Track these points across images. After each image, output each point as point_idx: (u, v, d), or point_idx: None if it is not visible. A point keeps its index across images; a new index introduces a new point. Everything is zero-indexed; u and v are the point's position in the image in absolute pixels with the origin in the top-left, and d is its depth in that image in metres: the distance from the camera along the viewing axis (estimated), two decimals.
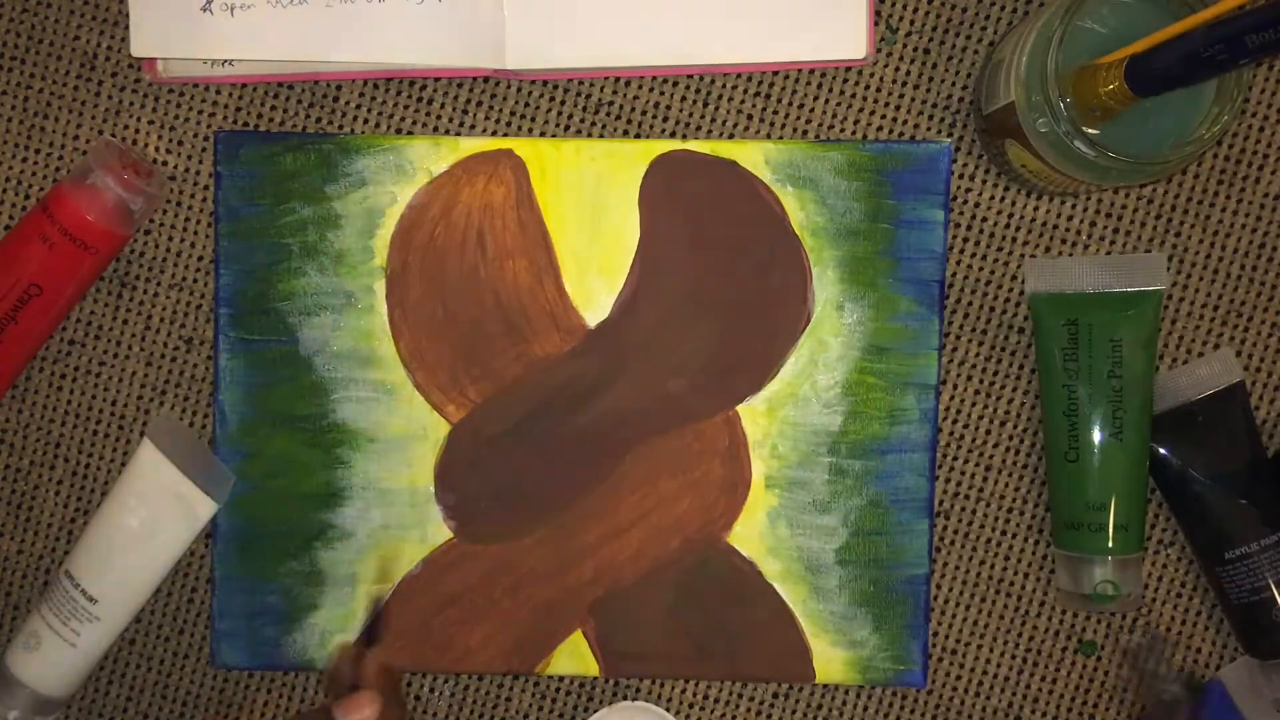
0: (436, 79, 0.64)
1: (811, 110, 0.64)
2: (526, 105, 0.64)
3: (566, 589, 0.64)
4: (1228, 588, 0.63)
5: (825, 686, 0.65)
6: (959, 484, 0.65)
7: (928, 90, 0.64)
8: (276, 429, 0.64)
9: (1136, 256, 0.63)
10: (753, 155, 0.63)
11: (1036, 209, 0.64)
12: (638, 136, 0.64)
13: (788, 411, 0.64)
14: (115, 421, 0.65)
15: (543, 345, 0.64)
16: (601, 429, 0.64)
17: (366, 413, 0.64)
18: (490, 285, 0.64)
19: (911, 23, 0.64)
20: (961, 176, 0.64)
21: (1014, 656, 0.66)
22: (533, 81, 0.64)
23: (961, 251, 0.65)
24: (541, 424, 0.64)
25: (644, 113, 0.64)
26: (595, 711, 0.64)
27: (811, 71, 0.64)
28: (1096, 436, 0.61)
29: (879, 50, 0.64)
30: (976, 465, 0.65)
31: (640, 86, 0.64)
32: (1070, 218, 0.64)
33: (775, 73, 0.64)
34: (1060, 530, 0.63)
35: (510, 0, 0.62)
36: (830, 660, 0.64)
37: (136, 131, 0.65)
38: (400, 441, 0.64)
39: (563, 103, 0.64)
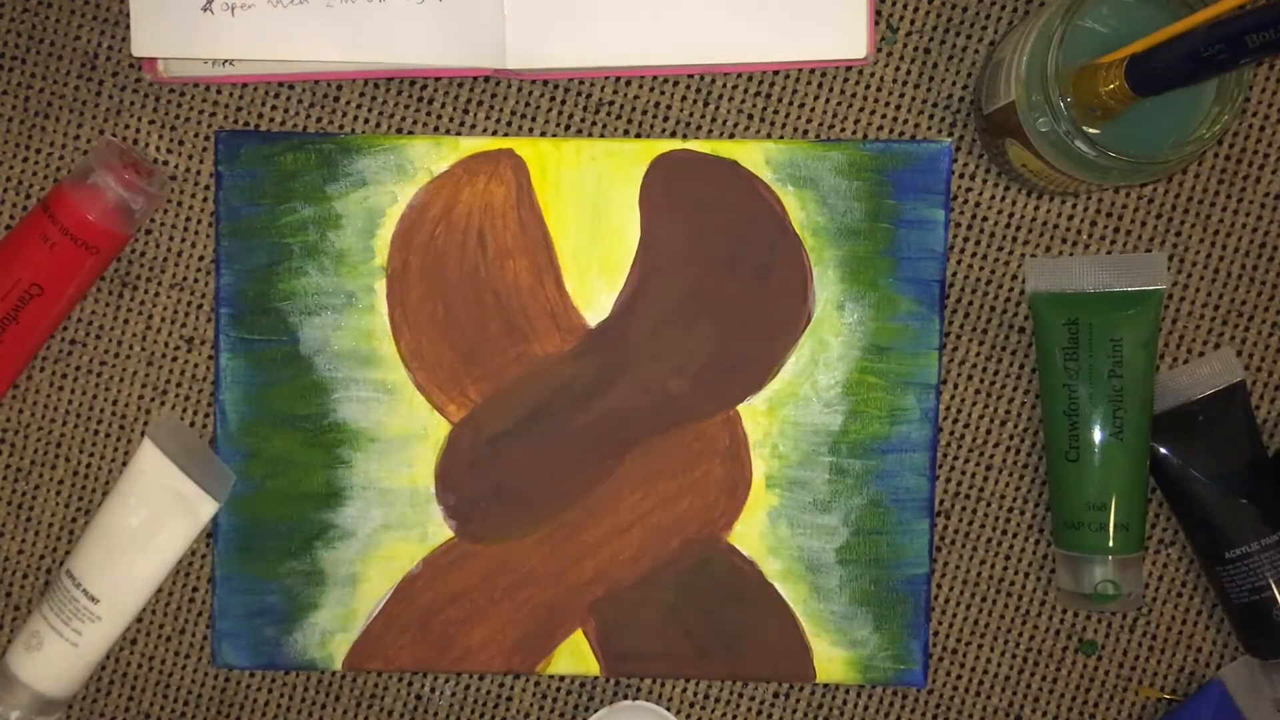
0: (437, 79, 0.64)
1: (812, 110, 0.64)
2: (527, 105, 0.64)
3: (567, 589, 0.64)
4: (1228, 587, 0.63)
5: (825, 686, 0.65)
6: (959, 483, 0.65)
7: (928, 90, 0.64)
8: (277, 429, 0.64)
9: (1137, 256, 0.63)
10: (753, 155, 0.63)
11: (1037, 209, 0.64)
12: (638, 136, 0.64)
13: (788, 411, 0.64)
14: (116, 421, 0.65)
15: (543, 345, 0.64)
16: (602, 429, 0.64)
17: (367, 412, 0.64)
18: (491, 285, 0.64)
19: (912, 22, 0.64)
20: (962, 176, 0.64)
21: (1014, 656, 0.66)
22: (533, 81, 0.64)
23: (962, 251, 0.65)
24: (542, 424, 0.64)
25: (644, 112, 0.64)
26: (596, 711, 0.64)
27: (812, 71, 0.64)
28: (1097, 436, 0.61)
29: (879, 50, 0.64)
30: (977, 465, 0.65)
31: (640, 86, 0.64)
32: (1071, 217, 0.64)
33: (775, 72, 0.64)
34: (1061, 530, 0.63)
35: (510, 0, 0.62)
36: (831, 660, 0.64)
37: (137, 131, 0.65)
38: (401, 441, 0.64)
39: (563, 102, 0.64)
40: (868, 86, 0.64)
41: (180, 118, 0.65)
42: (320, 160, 0.64)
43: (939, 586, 0.65)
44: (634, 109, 0.64)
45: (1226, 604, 0.63)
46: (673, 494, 0.64)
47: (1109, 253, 0.64)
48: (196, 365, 0.65)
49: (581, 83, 0.64)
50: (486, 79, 0.64)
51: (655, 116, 0.64)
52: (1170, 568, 0.65)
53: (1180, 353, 0.65)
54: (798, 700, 0.66)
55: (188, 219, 0.65)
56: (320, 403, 0.64)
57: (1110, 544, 0.61)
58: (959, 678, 0.66)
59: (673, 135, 0.65)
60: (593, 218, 0.63)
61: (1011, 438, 0.65)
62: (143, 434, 0.64)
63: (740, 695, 0.66)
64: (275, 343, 0.64)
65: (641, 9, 0.62)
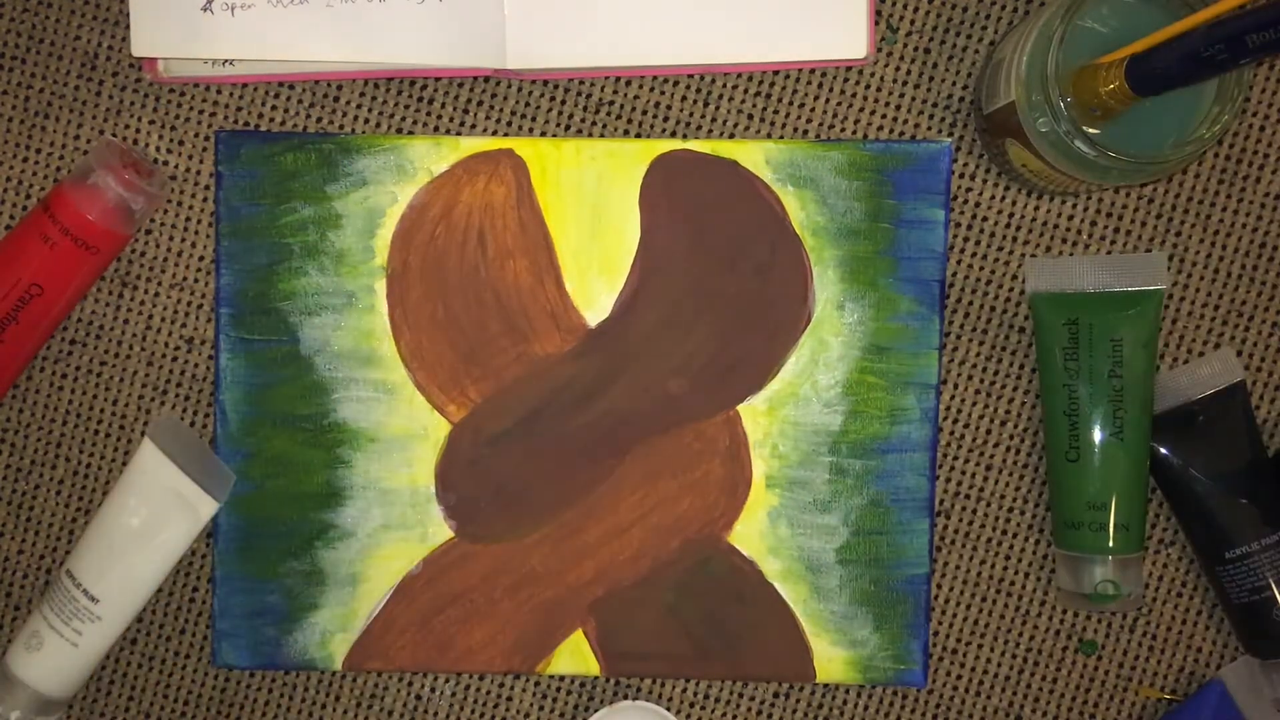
0: (437, 79, 0.64)
1: (812, 110, 0.64)
2: (527, 105, 0.64)
3: (567, 588, 0.64)
4: (1228, 587, 0.63)
5: (826, 686, 0.65)
6: (959, 483, 0.65)
7: (928, 90, 0.64)
8: (277, 429, 0.64)
9: (1137, 256, 0.63)
10: (753, 155, 0.63)
11: (1037, 209, 0.64)
12: (638, 136, 0.64)
13: (788, 411, 0.64)
14: (116, 421, 0.65)
15: (543, 345, 0.64)
16: (602, 429, 0.64)
17: (367, 412, 0.64)
18: (491, 285, 0.64)
19: (912, 22, 0.64)
20: (962, 176, 0.64)
21: (1014, 656, 0.66)
22: (533, 81, 0.64)
23: (962, 251, 0.65)
24: (542, 424, 0.64)
25: (644, 112, 0.64)
26: (596, 711, 0.64)
27: (812, 71, 0.64)
28: (1097, 436, 0.61)
29: (879, 50, 0.64)
30: (977, 465, 0.65)
31: (640, 86, 0.64)
32: (1071, 217, 0.64)
33: (775, 72, 0.64)
34: (1061, 530, 0.63)
35: (510, 0, 0.62)
36: (831, 660, 0.64)
37: (137, 131, 0.65)
38: (401, 441, 0.64)
39: (563, 102, 0.64)
40: (868, 86, 0.64)
41: (180, 118, 0.65)
42: (320, 160, 0.64)
43: (939, 586, 0.65)
44: (634, 109, 0.64)
45: (1226, 604, 0.63)
46: (673, 494, 0.64)
47: (1109, 253, 0.64)
48: (196, 365, 0.65)
49: (581, 83, 0.64)
50: (486, 79, 0.64)
51: (655, 116, 0.64)
52: (1170, 568, 0.65)
53: (1180, 353, 0.65)
54: (798, 700, 0.66)
55: (188, 219, 0.65)
56: (320, 403, 0.64)
57: (1110, 544, 0.61)
58: (959, 678, 0.66)
59: (673, 135, 0.65)
60: (593, 218, 0.63)
61: (1011, 438, 0.65)
62: (143, 434, 0.64)
63: (740, 695, 0.66)
64: (275, 343, 0.64)
65: (641, 9, 0.62)
